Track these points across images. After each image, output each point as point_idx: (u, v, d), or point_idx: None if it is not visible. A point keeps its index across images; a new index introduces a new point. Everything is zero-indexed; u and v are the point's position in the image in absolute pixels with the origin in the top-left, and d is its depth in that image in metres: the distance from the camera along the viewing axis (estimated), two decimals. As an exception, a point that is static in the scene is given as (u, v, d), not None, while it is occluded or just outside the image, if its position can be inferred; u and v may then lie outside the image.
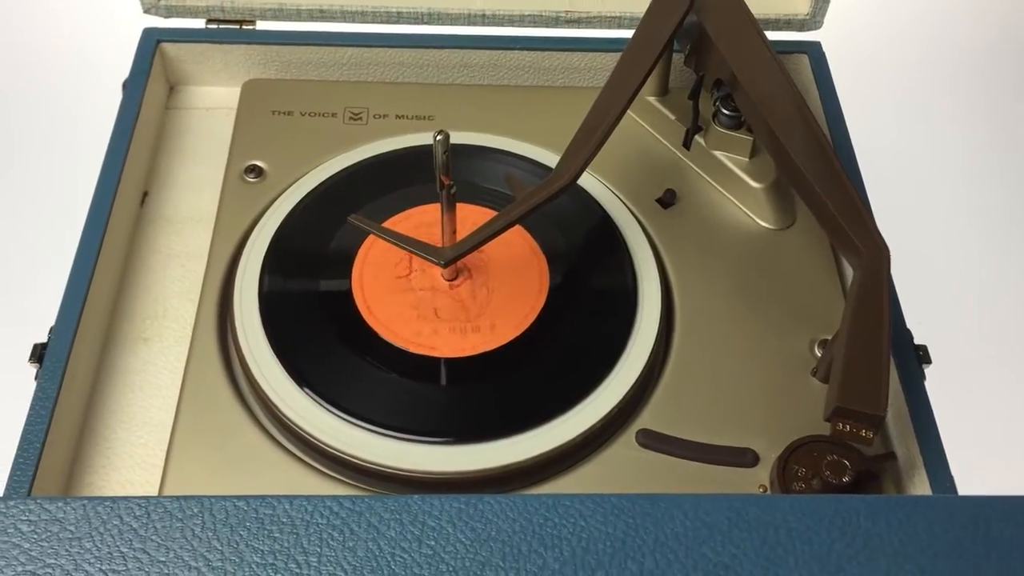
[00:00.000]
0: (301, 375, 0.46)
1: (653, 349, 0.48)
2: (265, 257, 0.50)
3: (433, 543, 0.32)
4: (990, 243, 0.73)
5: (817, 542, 0.33)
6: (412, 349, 0.47)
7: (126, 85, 0.58)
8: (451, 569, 0.32)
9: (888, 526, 0.33)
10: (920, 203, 0.73)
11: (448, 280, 0.50)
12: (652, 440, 0.46)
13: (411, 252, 0.46)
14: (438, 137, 0.44)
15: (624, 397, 0.46)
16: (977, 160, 0.75)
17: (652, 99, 0.58)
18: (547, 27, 0.60)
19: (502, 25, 0.59)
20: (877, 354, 0.42)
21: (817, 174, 0.47)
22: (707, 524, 0.33)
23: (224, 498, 0.32)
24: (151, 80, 0.58)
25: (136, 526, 0.32)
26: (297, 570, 0.32)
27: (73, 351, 0.46)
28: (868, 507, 0.34)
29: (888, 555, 0.32)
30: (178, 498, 0.33)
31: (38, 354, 0.47)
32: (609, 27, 0.59)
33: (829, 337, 0.49)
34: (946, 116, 0.79)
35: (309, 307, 0.49)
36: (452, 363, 0.47)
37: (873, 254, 0.45)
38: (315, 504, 0.33)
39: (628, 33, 0.52)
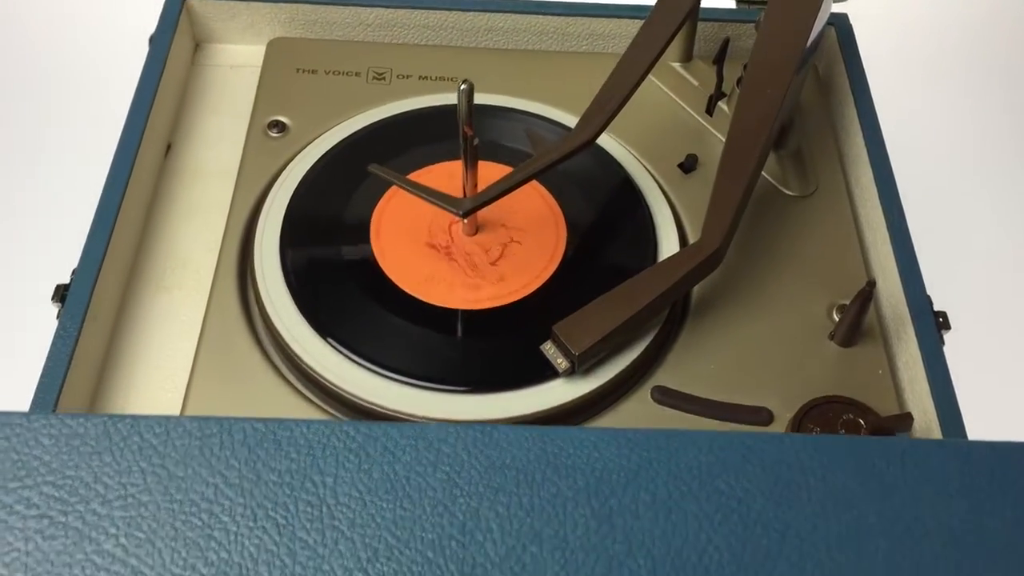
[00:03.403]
0: (319, 322, 0.46)
1: (671, 308, 0.48)
2: (287, 208, 0.51)
3: (448, 468, 0.33)
4: (1015, 214, 0.74)
5: (831, 480, 0.33)
6: (428, 300, 0.48)
7: (153, 40, 0.59)
8: (464, 494, 0.32)
9: (903, 467, 0.33)
10: (943, 175, 0.73)
11: (468, 235, 0.50)
12: (667, 397, 0.46)
13: (430, 202, 0.46)
14: (463, 87, 0.44)
15: (640, 354, 0.47)
16: (1001, 133, 0.76)
17: (676, 65, 0.58)
18: (574, -9, 0.60)
19: (528, -12, 0.60)
20: None
21: (735, 154, 0.47)
22: (721, 459, 0.33)
23: (242, 419, 0.33)
24: (177, 36, 0.59)
25: (155, 443, 0.33)
26: (313, 489, 0.32)
27: (95, 294, 0.47)
28: (883, 448, 0.34)
29: (902, 494, 0.33)
30: (197, 418, 0.33)
31: (60, 294, 0.48)
32: (634, -8, 0.60)
33: (847, 302, 0.49)
34: (970, 88, 0.81)
35: (328, 257, 0.50)
36: (468, 314, 0.47)
37: (706, 242, 0.46)
38: (332, 428, 0.34)
39: (652, 0, 0.53)
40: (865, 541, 0.32)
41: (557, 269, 0.50)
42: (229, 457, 0.33)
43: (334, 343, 0.46)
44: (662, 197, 0.54)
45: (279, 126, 0.56)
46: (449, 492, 0.33)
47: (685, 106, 0.58)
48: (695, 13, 0.54)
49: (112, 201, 0.51)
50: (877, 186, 0.53)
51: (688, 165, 0.55)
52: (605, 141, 0.55)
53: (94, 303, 0.47)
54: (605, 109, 0.48)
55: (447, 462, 0.33)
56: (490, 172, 0.51)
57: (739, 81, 0.55)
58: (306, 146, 0.55)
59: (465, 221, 0.50)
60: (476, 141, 0.47)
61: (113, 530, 0.31)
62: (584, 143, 0.48)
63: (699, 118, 0.57)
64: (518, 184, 0.47)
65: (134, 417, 0.34)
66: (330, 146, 0.54)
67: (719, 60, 0.55)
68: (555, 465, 0.33)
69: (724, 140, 0.50)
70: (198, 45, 0.62)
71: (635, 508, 0.32)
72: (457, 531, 0.32)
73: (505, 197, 0.48)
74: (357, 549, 0.31)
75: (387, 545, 0.32)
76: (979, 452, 0.34)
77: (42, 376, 0.44)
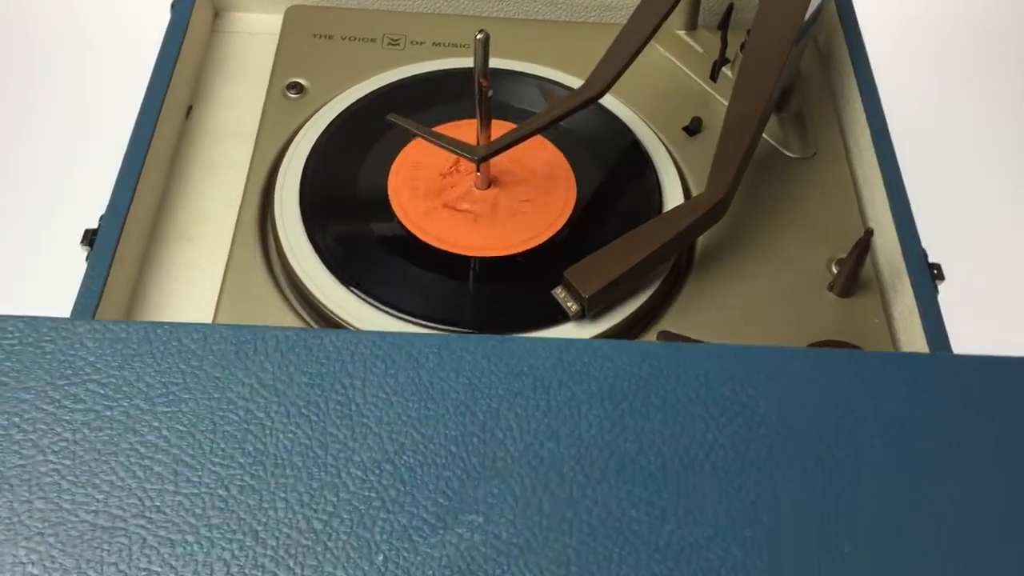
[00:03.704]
0: (337, 267, 0.49)
1: (677, 258, 0.50)
2: (306, 161, 0.53)
3: (469, 374, 0.35)
4: (1006, 175, 0.78)
5: (830, 387, 0.36)
6: (443, 247, 0.50)
7: (174, 6, 0.61)
8: (485, 396, 0.35)
9: (898, 375, 0.36)
10: (937, 139, 0.77)
11: (480, 189, 0.53)
12: (672, 340, 0.49)
13: (447, 148, 0.49)
14: (479, 36, 0.47)
15: (647, 300, 0.49)
16: (990, 100, 0.80)
17: (681, 33, 0.61)
18: (582, -36, 0.63)
19: (539, -39, 0.63)
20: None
21: (738, 112, 0.50)
22: (726, 369, 0.36)
23: (275, 327, 0.36)
24: (198, 3, 0.61)
25: (194, 347, 0.35)
26: (342, 391, 0.35)
27: (121, 240, 0.49)
28: (879, 360, 0.36)
29: (896, 399, 0.35)
30: (232, 326, 0.36)
31: (89, 238, 0.50)
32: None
33: (845, 256, 0.51)
34: (968, 62, 0.86)
35: (346, 206, 0.52)
36: (482, 261, 0.50)
37: (710, 194, 0.48)
38: (359, 337, 0.36)
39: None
40: (862, 441, 0.34)
41: (567, 222, 0.52)
42: (263, 361, 0.35)
43: (354, 289, 0.48)
44: (668, 157, 0.56)
45: (297, 87, 0.58)
46: (470, 395, 0.35)
47: (690, 73, 0.61)
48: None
49: (137, 155, 0.53)
50: (875, 146, 0.55)
51: (693, 128, 0.58)
52: (613, 105, 0.58)
53: (120, 249, 0.49)
54: (614, 65, 0.51)
55: (468, 368, 0.35)
56: (501, 131, 0.54)
57: (742, 47, 0.57)
58: (323, 105, 0.57)
59: (479, 174, 0.52)
60: (491, 93, 0.49)
61: (156, 423, 0.34)
62: (593, 96, 0.50)
63: (703, 84, 0.60)
64: (531, 133, 0.49)
65: (172, 324, 0.36)
66: (347, 105, 0.56)
67: (723, 26, 0.58)
68: (570, 372, 0.35)
69: (728, 103, 0.53)
70: (217, 13, 0.65)
71: (646, 411, 0.35)
72: (478, 429, 0.34)
73: (518, 156, 0.50)
74: (384, 443, 0.34)
75: (413, 440, 0.34)
76: (965, 364, 0.36)
77: (72, 313, 0.46)
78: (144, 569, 0.31)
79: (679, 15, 0.60)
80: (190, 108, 0.60)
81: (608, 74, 0.51)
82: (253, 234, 0.52)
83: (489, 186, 0.53)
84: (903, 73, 0.77)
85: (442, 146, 0.49)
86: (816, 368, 0.36)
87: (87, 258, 0.49)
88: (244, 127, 0.59)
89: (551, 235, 0.51)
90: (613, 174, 0.55)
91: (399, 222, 0.51)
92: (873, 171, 0.55)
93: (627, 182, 0.54)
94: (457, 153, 0.49)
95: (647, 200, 0.53)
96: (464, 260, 0.50)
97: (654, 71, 0.60)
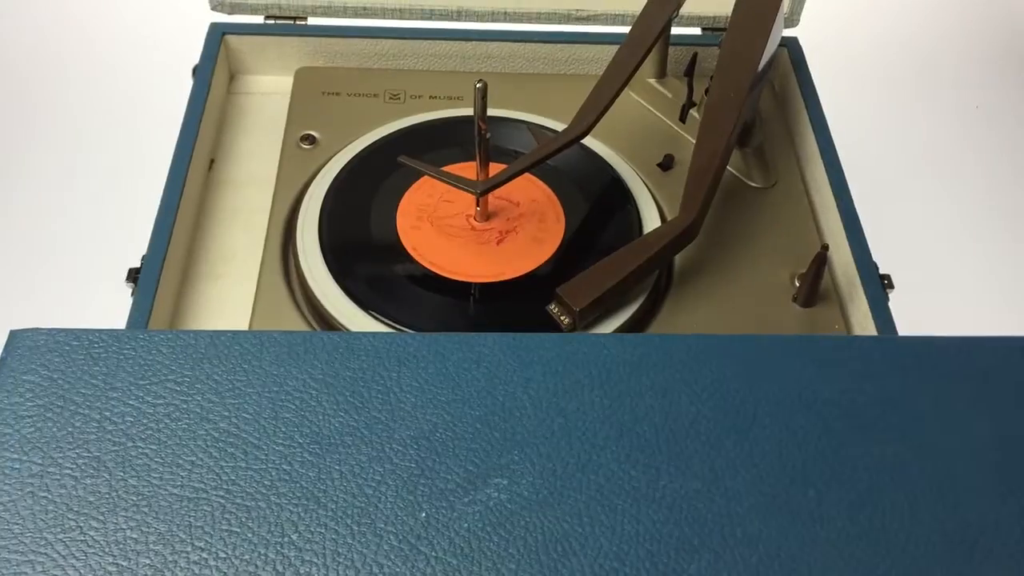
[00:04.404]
0: (356, 295, 0.55)
1: (657, 278, 0.58)
2: (323, 201, 0.60)
3: (488, 365, 0.42)
4: (945, 192, 0.89)
5: (797, 367, 0.43)
6: (449, 275, 0.57)
7: (196, 71, 0.68)
8: (502, 382, 0.41)
9: (852, 357, 0.43)
10: (883, 166, 0.87)
11: (479, 222, 0.60)
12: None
13: (450, 184, 0.56)
14: (478, 85, 0.54)
15: (632, 314, 0.56)
16: (930, 128, 0.93)
17: (652, 80, 0.69)
18: (560, 23, 0.71)
19: (521, 22, 0.70)
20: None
21: (705, 144, 0.58)
22: (705, 354, 0.43)
23: (321, 332, 0.42)
24: (217, 67, 0.68)
25: (253, 350, 0.42)
26: (381, 382, 0.41)
27: (161, 276, 0.56)
28: (835, 342, 0.44)
29: (852, 374, 0.42)
30: (285, 332, 0.42)
31: (133, 276, 0.56)
32: (613, 24, 0.71)
33: (805, 271, 0.59)
34: (914, 95, 1.00)
35: (361, 242, 0.59)
36: (484, 286, 0.56)
37: (683, 217, 0.56)
38: (393, 338, 0.43)
39: (629, 29, 0.63)
40: (820, 408, 0.41)
41: (557, 248, 0.59)
42: (312, 359, 0.42)
43: (373, 313, 0.55)
44: (645, 190, 0.63)
45: (310, 139, 0.66)
46: (490, 382, 0.42)
47: (661, 116, 0.68)
48: (668, 31, 0.64)
49: (171, 202, 0.60)
50: (828, 176, 0.63)
51: (666, 164, 0.65)
52: (595, 145, 0.65)
53: (160, 285, 0.56)
54: (595, 108, 0.58)
55: (487, 361, 0.42)
56: (496, 170, 0.61)
57: (707, 91, 0.65)
58: (336, 154, 0.64)
59: (478, 208, 0.60)
60: (488, 135, 0.56)
61: (225, 413, 0.40)
62: (579, 136, 0.58)
63: (673, 125, 0.68)
64: (525, 169, 0.56)
65: (235, 332, 0.42)
66: (357, 152, 0.64)
67: (689, 72, 0.66)
68: (573, 360, 0.42)
69: (695, 141, 0.60)
70: (233, 76, 0.72)
71: (639, 390, 0.42)
72: (499, 409, 0.41)
73: (512, 193, 0.57)
74: (420, 423, 0.40)
75: (444, 420, 0.40)
76: (907, 344, 0.43)
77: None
78: (225, 530, 0.37)
79: (650, 65, 0.68)
80: (212, 161, 0.67)
81: (591, 116, 0.58)
82: (277, 269, 0.59)
83: (488, 219, 0.60)
84: (850, 103, 0.87)
85: (447, 182, 0.56)
86: (781, 350, 0.43)
87: (132, 293, 0.56)
88: (262, 176, 0.66)
89: (543, 260, 0.59)
90: (597, 206, 0.62)
91: (408, 254, 0.58)
92: (827, 197, 0.63)
93: (610, 213, 0.62)
94: (460, 187, 0.56)
95: (628, 227, 0.61)
96: (466, 285, 0.57)
97: (629, 115, 0.68)
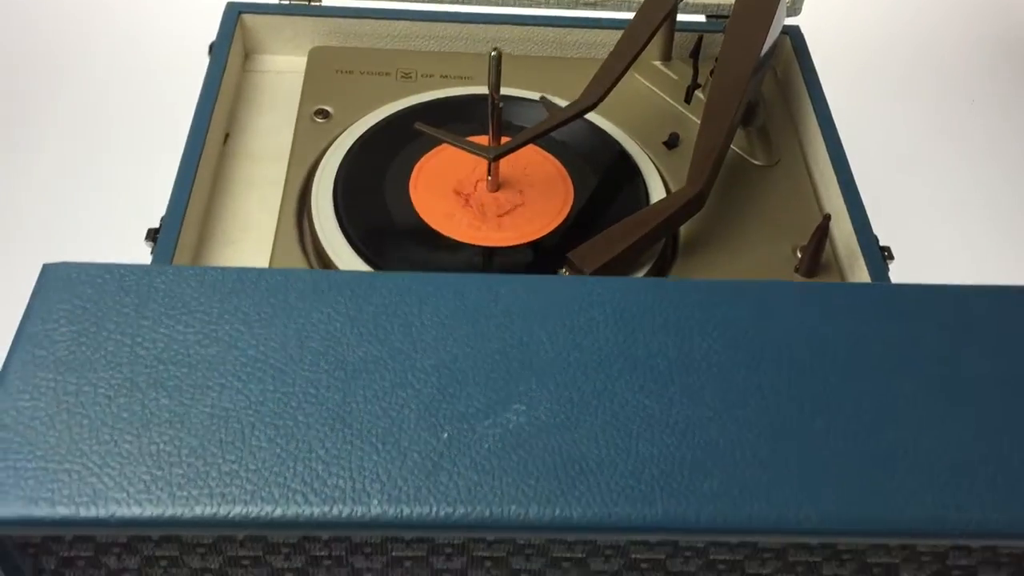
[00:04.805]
0: (370, 259, 0.57)
1: (662, 249, 0.59)
2: (338, 168, 0.62)
3: (506, 302, 0.44)
4: (943, 166, 0.94)
5: (801, 308, 0.44)
6: (463, 239, 0.58)
7: (212, 48, 0.70)
8: (520, 318, 0.43)
9: (851, 300, 0.45)
10: (882, 146, 0.90)
11: (491, 191, 0.62)
12: None
13: (464, 149, 0.58)
14: (493, 54, 0.56)
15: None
16: (925, 111, 1.00)
17: (658, 63, 0.71)
18: (569, 8, 0.73)
19: (531, 6, 0.73)
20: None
21: (711, 120, 0.60)
22: (716, 294, 0.45)
23: (345, 271, 0.44)
24: (232, 45, 0.70)
25: (278, 286, 0.44)
26: (403, 316, 0.43)
27: (179, 236, 0.57)
28: (836, 289, 0.45)
29: (851, 316, 0.44)
30: (307, 270, 0.44)
31: (152, 235, 0.58)
32: (621, 9, 0.73)
33: (806, 243, 0.61)
34: (913, 85, 1.04)
35: (374, 207, 0.60)
36: (495, 251, 0.58)
37: (690, 187, 0.58)
38: (414, 277, 0.45)
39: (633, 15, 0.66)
40: (822, 344, 0.43)
41: (566, 218, 0.61)
42: (336, 295, 0.44)
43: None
44: (652, 166, 0.66)
45: (323, 113, 0.68)
46: (508, 318, 0.43)
47: (667, 97, 0.71)
48: (675, 14, 0.67)
49: (188, 168, 0.62)
50: (828, 151, 0.65)
51: (671, 142, 0.68)
52: (604, 124, 0.67)
53: (178, 246, 0.58)
54: (607, 79, 0.61)
55: (505, 299, 0.44)
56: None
57: (711, 72, 0.67)
58: (350, 125, 0.66)
59: (490, 177, 0.61)
60: (501, 104, 0.59)
61: (253, 341, 0.42)
62: (591, 105, 0.60)
63: (679, 106, 0.70)
64: (537, 136, 0.59)
65: (259, 269, 0.44)
66: (371, 124, 0.66)
67: (695, 54, 0.68)
68: (589, 300, 0.44)
69: (696, 120, 0.62)
70: (248, 55, 0.74)
71: (652, 327, 0.43)
72: (517, 342, 0.43)
73: (523, 165, 0.59)
74: (441, 354, 0.42)
75: (464, 352, 0.42)
76: (907, 289, 0.45)
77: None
78: (255, 445, 0.39)
79: (656, 48, 0.71)
80: (227, 135, 0.69)
81: (601, 87, 0.61)
82: (292, 235, 0.60)
83: (499, 189, 0.62)
84: (851, 92, 0.89)
85: (461, 147, 0.58)
86: (790, 294, 0.45)
87: (151, 252, 0.58)
88: (275, 150, 0.68)
89: (553, 228, 0.60)
90: (605, 180, 0.64)
91: (421, 219, 0.60)
92: (828, 173, 0.65)
93: (618, 186, 0.64)
94: (474, 152, 0.58)
95: (636, 200, 0.63)
96: (479, 249, 0.59)
97: (636, 97, 0.70)
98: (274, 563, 0.41)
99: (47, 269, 0.44)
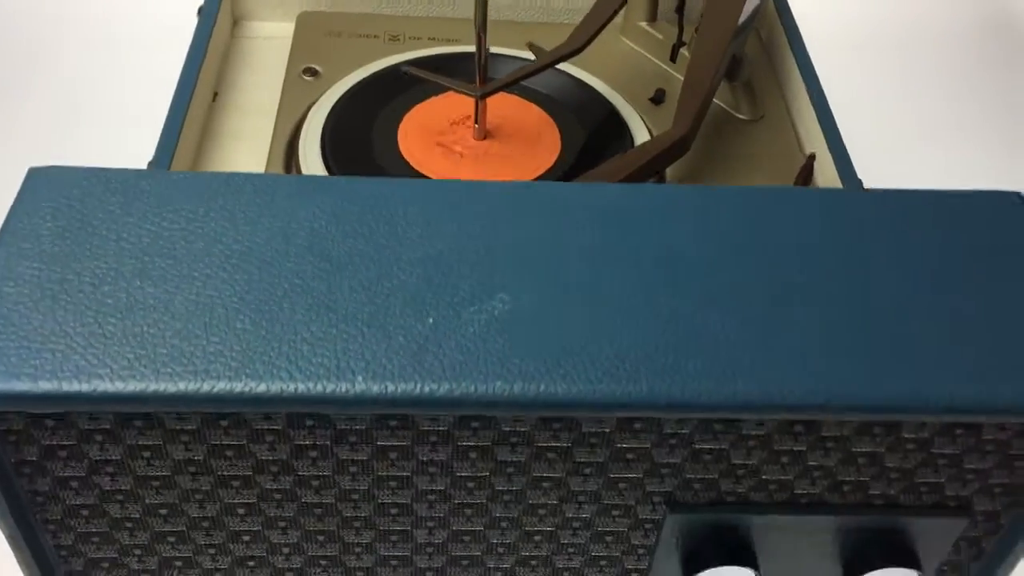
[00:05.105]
0: None
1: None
2: (326, 119, 0.63)
3: (494, 202, 0.44)
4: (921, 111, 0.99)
5: (782, 210, 0.45)
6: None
7: (200, 11, 0.71)
8: (506, 219, 0.44)
9: (832, 204, 0.45)
10: (864, 101, 0.93)
11: (477, 139, 0.62)
12: None
13: (452, 88, 0.59)
14: (480, -7, 0.57)
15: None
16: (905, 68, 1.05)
17: (643, 24, 0.72)
18: (555, -26, 0.74)
19: (518, -28, 0.74)
20: None
21: (696, 69, 0.61)
22: (702, 198, 0.45)
23: (334, 177, 0.44)
24: (221, 11, 0.71)
25: (265, 188, 0.44)
26: (388, 216, 0.43)
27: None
28: (819, 194, 0.46)
29: (830, 217, 0.45)
30: (297, 176, 0.45)
31: (141, 177, 0.58)
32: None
33: (792, 183, 0.61)
34: (899, 55, 1.08)
35: (361, 155, 0.61)
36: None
37: (676, 130, 0.58)
38: (400, 182, 0.45)
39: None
40: (803, 242, 0.44)
41: (553, 165, 0.62)
42: (323, 196, 0.44)
43: None
44: (639, 118, 0.66)
45: (312, 72, 0.68)
46: (493, 218, 0.44)
47: (652, 57, 0.72)
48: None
49: (176, 117, 0.62)
50: (812, 101, 0.66)
51: (658, 98, 0.68)
52: (591, 80, 0.68)
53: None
54: (591, 27, 0.61)
55: (491, 200, 0.44)
56: (495, 98, 0.64)
57: (696, 29, 0.68)
58: (338, 81, 0.67)
59: (477, 124, 0.62)
60: (488, 46, 0.59)
61: (239, 236, 0.42)
62: (576, 49, 0.61)
63: (664, 65, 0.71)
64: (523, 77, 0.59)
65: (246, 173, 0.45)
66: (359, 79, 0.66)
67: (679, 10, 0.69)
68: (575, 202, 0.45)
69: (681, 78, 0.63)
70: (236, 21, 0.75)
71: (638, 228, 0.44)
72: (503, 240, 0.43)
73: (510, 115, 0.60)
74: (427, 248, 0.42)
75: (450, 247, 0.42)
76: (888, 194, 0.46)
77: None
78: (240, 328, 0.39)
79: (641, 8, 0.72)
80: (215, 95, 0.69)
81: (586, 34, 0.61)
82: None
83: (485, 137, 0.63)
84: (834, 61, 0.91)
85: (448, 86, 0.59)
86: (775, 198, 0.45)
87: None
88: (264, 107, 0.68)
89: (539, 175, 0.61)
90: (593, 133, 0.65)
91: (410, 166, 0.60)
92: (812, 126, 0.66)
93: (605, 138, 0.64)
94: (461, 91, 0.59)
95: (622, 151, 0.63)
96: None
97: (623, 58, 0.71)
98: (258, 454, 0.41)
99: (33, 172, 0.44)
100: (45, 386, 0.37)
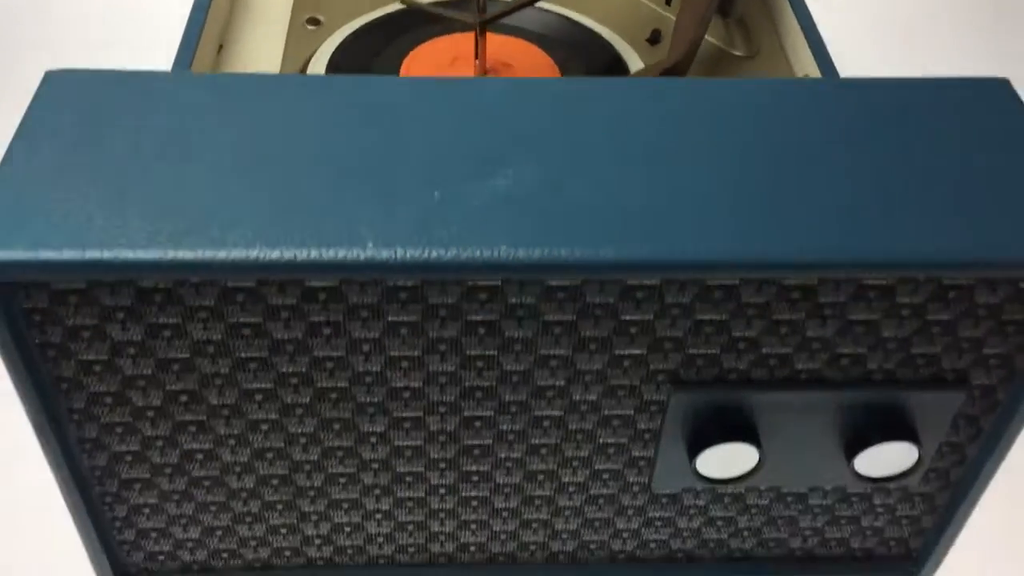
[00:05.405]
0: None
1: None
2: (330, 59, 0.64)
3: (496, 94, 0.46)
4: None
5: (751, 95, 0.47)
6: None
7: (206, -31, 0.73)
8: (507, 104, 0.45)
9: (809, 90, 0.47)
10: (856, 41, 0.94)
11: (479, 74, 0.64)
12: None
13: (448, 17, 0.61)
14: (476, -82, 0.59)
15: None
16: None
17: (638, -31, 0.74)
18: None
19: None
20: None
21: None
22: (680, 92, 0.47)
23: (344, 76, 0.46)
24: (225, -33, 0.73)
25: (277, 85, 0.46)
26: (398, 109, 0.45)
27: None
28: (795, 83, 0.48)
29: (800, 97, 0.46)
30: (304, 76, 0.46)
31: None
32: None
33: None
34: None
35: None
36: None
37: (671, 57, 0.60)
38: (405, 79, 0.47)
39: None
40: (809, 128, 0.45)
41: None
42: (328, 92, 0.46)
43: None
44: (636, 58, 0.68)
45: (314, 21, 0.70)
46: (495, 108, 0.45)
47: (648, 2, 0.73)
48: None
49: (183, 66, 0.64)
50: (806, 39, 0.68)
51: (654, 38, 0.70)
52: (588, 22, 0.70)
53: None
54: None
55: (492, 93, 0.46)
56: (494, 40, 0.66)
57: (690, -30, 0.70)
58: (340, 27, 0.69)
59: (477, 61, 0.64)
60: (486, -22, 0.61)
61: (254, 126, 0.44)
62: (572, -20, 0.63)
63: (660, 9, 0.73)
64: (524, 5, 0.61)
65: (261, 74, 0.46)
66: (362, 24, 0.68)
67: (673, -48, 0.71)
68: (574, 94, 0.46)
69: (680, 5, 0.65)
70: (241, -21, 0.77)
71: (633, 116, 0.45)
72: (504, 126, 0.44)
73: (511, 56, 0.62)
74: (431, 136, 0.44)
75: (454, 133, 0.44)
76: (855, 82, 0.48)
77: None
78: (254, 202, 0.40)
79: (635, -47, 0.74)
80: (220, 47, 0.71)
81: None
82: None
83: (486, 74, 0.65)
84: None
85: (446, 16, 0.61)
86: (738, 88, 0.47)
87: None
88: (268, 57, 0.70)
89: (541, 104, 0.63)
90: (590, 70, 0.67)
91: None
92: (808, 59, 0.67)
93: (603, 75, 0.66)
94: (459, 19, 0.61)
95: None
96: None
97: (618, 5, 0.73)
98: (274, 332, 0.42)
99: (50, 75, 0.46)
100: (69, 254, 0.38)
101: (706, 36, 0.71)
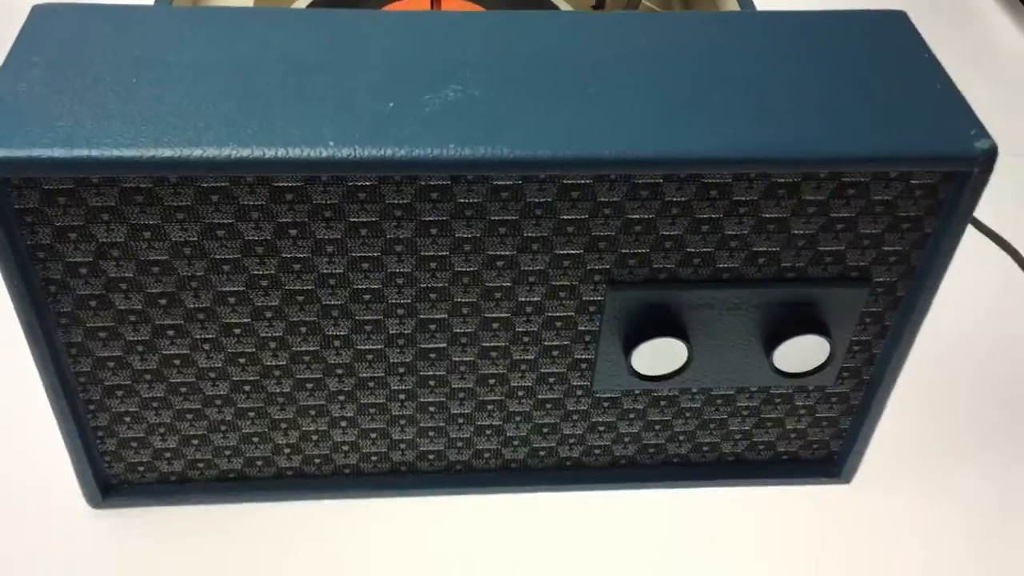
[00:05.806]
0: None
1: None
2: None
3: (447, 22, 0.51)
4: None
5: (693, 30, 0.52)
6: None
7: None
8: (459, 29, 0.50)
9: (760, 22, 0.52)
10: None
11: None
12: None
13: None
14: None
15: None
16: None
17: (582, -57, 0.80)
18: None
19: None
20: None
21: None
22: (619, 24, 0.52)
23: (320, 9, 0.51)
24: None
25: (242, 16, 0.51)
26: (357, 35, 0.50)
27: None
28: (721, 17, 0.53)
29: (749, 28, 0.52)
30: (270, 8, 0.51)
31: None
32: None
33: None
34: None
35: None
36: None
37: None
38: (364, 11, 0.52)
39: None
40: (717, 52, 0.50)
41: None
42: (297, 21, 0.50)
43: None
44: (578, 20, 0.73)
45: (281, -10, 0.75)
46: (448, 31, 0.50)
47: (591, -28, 0.79)
48: None
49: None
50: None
51: (599, 5, 0.76)
52: (536, -9, 0.76)
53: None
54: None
55: (446, 22, 0.51)
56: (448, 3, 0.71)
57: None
58: (305, -8, 0.74)
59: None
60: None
61: (221, 50, 0.49)
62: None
63: (602, -21, 0.78)
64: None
65: (228, 7, 0.51)
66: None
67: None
68: (523, 23, 0.51)
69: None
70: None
71: (577, 41, 0.51)
72: (455, 47, 0.49)
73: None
74: (387, 58, 0.49)
75: (408, 56, 0.49)
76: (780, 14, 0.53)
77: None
78: (224, 112, 0.45)
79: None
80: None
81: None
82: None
83: (440, 32, 0.70)
84: None
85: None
86: (687, 20, 0.52)
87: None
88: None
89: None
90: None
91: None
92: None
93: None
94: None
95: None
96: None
97: (563, -27, 0.78)
98: (245, 234, 0.47)
99: (37, 8, 0.50)
100: (59, 152, 0.43)
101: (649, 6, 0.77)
